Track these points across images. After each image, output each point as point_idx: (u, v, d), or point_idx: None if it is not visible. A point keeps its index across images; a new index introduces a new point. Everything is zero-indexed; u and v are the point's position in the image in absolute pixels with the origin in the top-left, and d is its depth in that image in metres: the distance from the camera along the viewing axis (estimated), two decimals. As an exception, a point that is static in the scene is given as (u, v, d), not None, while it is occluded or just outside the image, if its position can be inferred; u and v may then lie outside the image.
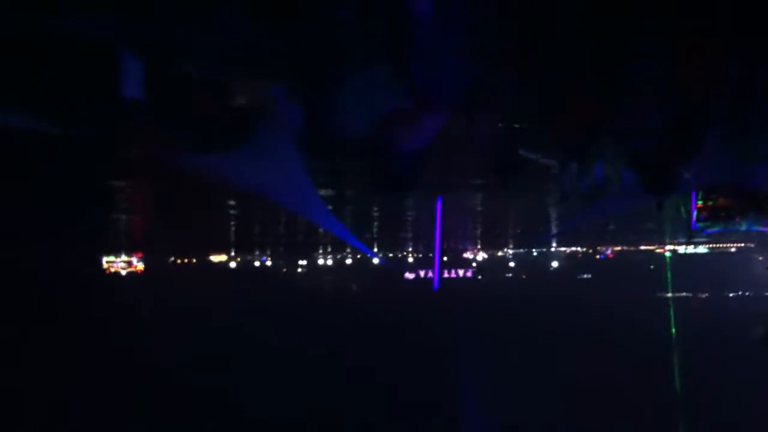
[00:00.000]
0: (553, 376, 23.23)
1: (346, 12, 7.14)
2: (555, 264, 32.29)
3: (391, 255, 30.82)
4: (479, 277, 31.20)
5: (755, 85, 9.56)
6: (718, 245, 28.19)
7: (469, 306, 27.26)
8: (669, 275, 28.79)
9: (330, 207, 18.05)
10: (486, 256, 31.26)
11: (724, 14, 7.65)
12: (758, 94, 9.83)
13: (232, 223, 21.17)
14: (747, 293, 28.81)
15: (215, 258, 29.68)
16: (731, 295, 29.20)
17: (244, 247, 28.05)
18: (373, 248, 28.47)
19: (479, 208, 20.09)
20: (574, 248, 31.38)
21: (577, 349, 24.04)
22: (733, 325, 22.17)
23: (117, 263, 26.84)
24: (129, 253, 26.51)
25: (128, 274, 26.86)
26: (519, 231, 26.66)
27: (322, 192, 15.75)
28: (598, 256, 31.54)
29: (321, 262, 31.10)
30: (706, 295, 29.42)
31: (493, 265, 31.82)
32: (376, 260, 30.71)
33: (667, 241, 28.28)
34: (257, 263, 31.18)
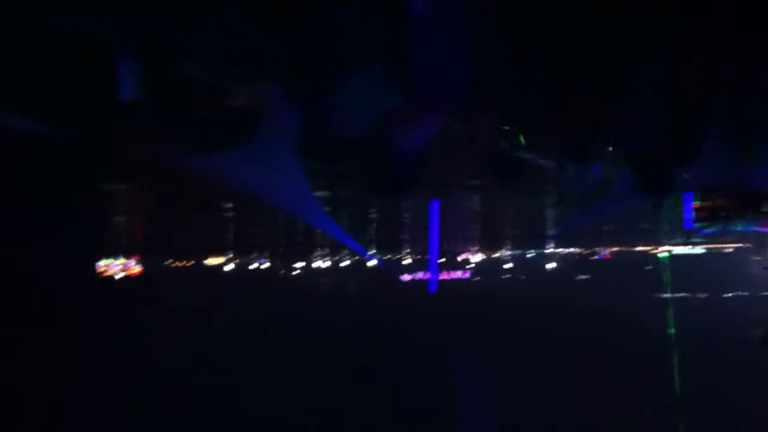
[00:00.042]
0: (551, 375, 23.23)
1: (344, 12, 7.12)
2: (552, 265, 32.28)
3: (388, 257, 30.78)
4: (477, 278, 31.18)
5: (752, 86, 9.56)
6: (715, 246, 28.24)
7: (466, 307, 27.25)
8: (666, 276, 28.80)
9: (327, 209, 18.04)
10: (483, 257, 31.24)
11: (723, 14, 7.65)
12: (755, 95, 9.84)
13: (231, 225, 21.16)
14: (744, 293, 28.83)
15: (213, 260, 29.62)
16: (729, 295, 29.21)
17: (241, 250, 28.02)
18: (370, 250, 28.45)
19: (476, 210, 20.11)
20: (571, 249, 31.38)
21: (574, 349, 24.05)
22: (732, 326, 22.18)
23: (113, 266, 26.75)
24: (126, 256, 26.44)
25: (124, 277, 26.78)
26: (516, 232, 26.67)
27: (320, 193, 15.75)
28: (595, 257, 31.55)
29: (318, 264, 31.07)
30: (704, 295, 29.42)
31: (491, 266, 31.80)
32: (373, 262, 30.67)
33: (665, 241, 28.31)
34: (255, 265, 31.11)
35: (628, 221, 24.28)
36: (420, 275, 30.72)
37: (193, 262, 29.56)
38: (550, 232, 26.14)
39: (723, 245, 28.60)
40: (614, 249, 30.85)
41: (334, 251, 29.46)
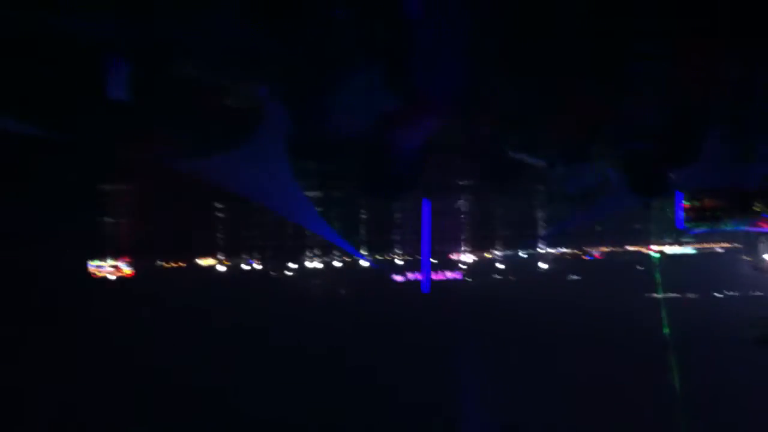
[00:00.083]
0: (544, 373, 23.25)
1: (341, 13, 7.12)
2: (544, 265, 32.32)
3: (380, 258, 30.79)
4: (468, 279, 31.22)
5: (744, 87, 9.60)
6: (706, 246, 28.33)
7: (458, 307, 27.28)
8: (657, 276, 28.87)
9: (320, 209, 18.02)
10: (475, 258, 31.28)
11: (714, 16, 7.69)
12: (747, 96, 9.87)
13: (223, 226, 21.14)
14: (735, 293, 28.92)
15: (203, 261, 29.57)
16: (719, 295, 29.30)
17: (234, 251, 27.98)
18: (362, 251, 28.45)
19: (468, 211, 20.12)
20: (562, 250, 31.44)
21: (566, 348, 24.08)
22: (723, 325, 22.26)
23: (104, 268, 26.66)
24: (116, 257, 26.36)
25: (117, 278, 26.69)
26: (508, 233, 26.70)
27: (312, 194, 15.73)
28: (585, 257, 31.60)
29: (311, 265, 31.04)
30: (695, 295, 29.50)
31: (482, 267, 31.83)
32: (365, 263, 30.66)
33: (656, 241, 28.40)
34: (245, 266, 31.06)
35: (620, 221, 24.34)
36: (412, 276, 30.76)
37: (183, 264, 29.54)
38: (542, 232, 26.18)
39: (714, 245, 28.70)
40: (605, 249, 30.91)
41: (326, 252, 29.45)
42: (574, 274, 32.06)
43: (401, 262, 31.08)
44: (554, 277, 32.03)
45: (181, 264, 29.48)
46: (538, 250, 31.47)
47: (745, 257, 28.51)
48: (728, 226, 19.06)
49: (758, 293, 27.51)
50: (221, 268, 29.95)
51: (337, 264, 31.14)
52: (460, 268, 31.09)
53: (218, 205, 17.59)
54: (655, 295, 28.61)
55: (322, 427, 21.89)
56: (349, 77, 7.97)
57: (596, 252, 31.27)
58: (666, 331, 25.88)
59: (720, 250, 28.87)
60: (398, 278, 30.94)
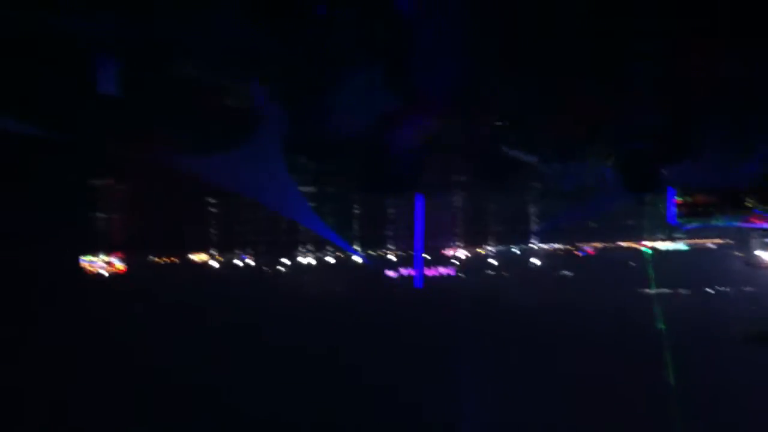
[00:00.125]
0: (536, 371, 23.28)
1: (340, 13, 7.11)
2: (536, 261, 32.42)
3: (373, 253, 30.83)
4: (461, 275, 31.30)
5: (739, 85, 9.64)
6: (698, 242, 28.45)
7: (451, 303, 27.32)
8: (649, 272, 28.96)
9: (313, 205, 18.02)
10: (468, 254, 31.36)
11: (704, 15, 7.72)
12: (742, 95, 9.92)
13: (217, 222, 21.12)
14: (727, 289, 29.03)
15: (196, 257, 29.56)
16: (711, 291, 29.41)
17: (225, 246, 27.98)
18: (355, 247, 28.48)
19: (461, 206, 20.15)
20: (555, 245, 31.55)
21: (558, 345, 24.12)
22: (716, 321, 22.34)
23: (97, 263, 26.63)
24: (110, 253, 26.32)
25: (110, 274, 26.67)
26: (500, 229, 26.76)
27: (305, 189, 15.72)
28: (578, 253, 31.70)
29: (303, 260, 31.07)
30: (687, 291, 29.61)
31: (475, 263, 31.91)
32: (358, 259, 30.70)
33: (647, 237, 28.49)
34: (238, 262, 31.08)
35: (612, 218, 24.42)
36: (405, 271, 30.81)
37: (176, 260, 29.53)
38: (535, 228, 26.25)
39: (706, 241, 28.82)
40: (598, 245, 31.02)
41: (319, 248, 29.47)
42: (566, 269, 32.17)
43: (394, 258, 31.14)
44: (546, 273, 32.13)
45: (173, 260, 29.48)
46: (531, 245, 31.56)
47: (737, 253, 28.61)
48: (720, 222, 19.10)
49: (750, 289, 27.61)
50: (214, 264, 29.95)
51: (330, 260, 31.17)
52: (453, 264, 31.18)
53: (211, 201, 17.57)
54: (647, 291, 28.69)
55: (313, 425, 21.90)
56: (344, 75, 7.97)
57: (589, 248, 31.37)
58: (658, 327, 25.96)
59: (712, 246, 28.99)
60: (391, 274, 31.00)
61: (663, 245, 29.46)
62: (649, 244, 29.60)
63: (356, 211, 20.35)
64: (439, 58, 8.07)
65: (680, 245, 29.21)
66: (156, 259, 28.95)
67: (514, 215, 23.54)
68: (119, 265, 26.89)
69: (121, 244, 25.06)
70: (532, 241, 30.42)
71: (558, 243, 31.20)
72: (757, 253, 26.94)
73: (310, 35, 7.40)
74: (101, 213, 17.97)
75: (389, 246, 30.10)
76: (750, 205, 16.91)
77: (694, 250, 29.09)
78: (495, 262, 32.44)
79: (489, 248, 31.52)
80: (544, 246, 31.66)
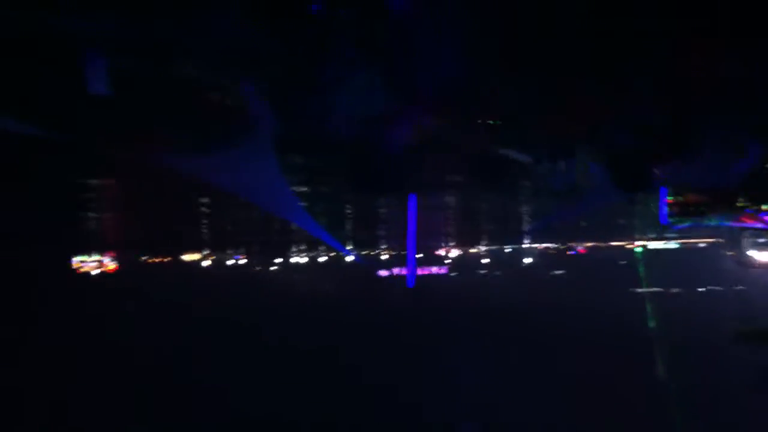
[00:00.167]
0: (527, 370, 23.31)
1: (333, 13, 7.11)
2: (528, 260, 32.50)
3: (365, 253, 30.84)
4: (453, 274, 31.36)
5: (732, 86, 9.68)
6: (689, 241, 28.56)
7: (443, 302, 27.36)
8: (640, 270, 29.05)
9: (305, 204, 18.01)
10: (460, 253, 31.41)
11: (700, 14, 7.75)
12: (734, 95, 9.96)
13: (208, 221, 21.08)
14: (718, 288, 29.14)
15: (188, 257, 29.50)
16: (703, 290, 29.51)
17: (217, 246, 27.95)
18: (347, 246, 28.48)
19: (453, 206, 20.16)
20: (546, 244, 31.63)
21: (548, 343, 24.16)
22: (709, 320, 22.40)
23: (88, 263, 26.55)
24: (101, 253, 26.25)
25: (101, 273, 26.59)
26: (492, 228, 26.80)
27: (297, 189, 15.71)
28: (569, 252, 31.79)
29: (296, 260, 31.06)
30: (678, 290, 29.71)
31: (467, 261, 31.97)
32: (351, 258, 30.70)
33: (639, 236, 28.59)
34: (230, 261, 31.05)
35: (604, 217, 24.47)
36: (397, 270, 30.84)
37: (167, 259, 29.47)
38: (526, 227, 26.30)
39: (697, 240, 28.93)
40: (589, 244, 31.11)
41: (311, 247, 29.46)
42: (558, 268, 32.25)
43: (387, 257, 31.16)
44: (538, 271, 32.21)
45: (166, 259, 29.41)
46: (523, 244, 31.64)
47: (728, 252, 28.72)
48: (712, 222, 19.18)
49: (741, 287, 27.71)
50: (206, 263, 29.91)
51: (322, 259, 31.18)
52: (445, 263, 31.24)
53: (204, 201, 17.55)
54: (638, 289, 28.78)
55: (312, 425, 21.88)
56: (337, 75, 7.96)
57: (580, 247, 31.46)
58: (650, 326, 26.04)
59: (703, 245, 29.11)
60: (383, 273, 31.03)
61: (655, 244, 29.56)
62: (641, 243, 29.71)
63: (349, 211, 20.35)
64: (432, 58, 8.08)
65: (672, 244, 29.32)
66: (148, 259, 28.90)
67: (507, 214, 23.57)
68: (111, 265, 26.82)
69: (112, 244, 25.00)
70: (525, 240, 30.48)
71: (549, 242, 31.29)
72: (749, 252, 27.06)
73: (302, 35, 7.39)
74: (93, 212, 17.92)
75: (382, 245, 30.12)
76: (741, 204, 16.99)
77: (685, 249, 29.19)
78: (486, 261, 32.51)
79: (481, 247, 31.58)
80: (537, 245, 31.75)
